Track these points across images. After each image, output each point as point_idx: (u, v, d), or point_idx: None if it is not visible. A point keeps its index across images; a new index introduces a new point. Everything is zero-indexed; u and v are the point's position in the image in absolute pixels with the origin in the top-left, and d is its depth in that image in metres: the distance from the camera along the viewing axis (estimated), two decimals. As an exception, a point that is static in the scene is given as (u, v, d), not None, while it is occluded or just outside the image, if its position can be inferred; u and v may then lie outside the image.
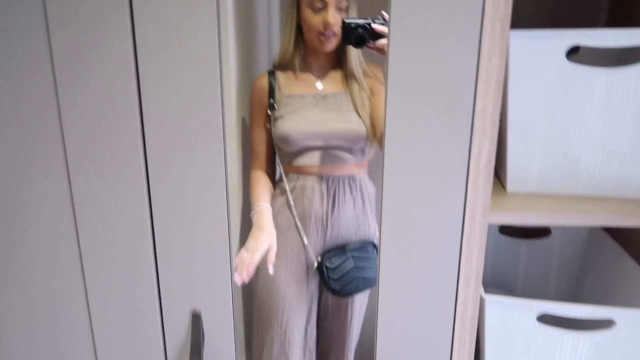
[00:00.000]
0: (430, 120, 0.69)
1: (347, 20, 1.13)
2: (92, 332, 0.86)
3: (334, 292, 1.36)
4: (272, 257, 1.24)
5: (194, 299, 0.81)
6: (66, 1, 0.70)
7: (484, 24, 0.66)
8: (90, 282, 0.83)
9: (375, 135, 1.31)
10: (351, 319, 1.48)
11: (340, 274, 1.34)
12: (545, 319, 0.89)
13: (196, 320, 0.81)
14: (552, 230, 1.26)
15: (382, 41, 1.12)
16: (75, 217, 0.80)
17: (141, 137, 0.75)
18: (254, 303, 1.39)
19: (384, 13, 1.13)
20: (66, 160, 0.77)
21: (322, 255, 1.35)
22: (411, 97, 0.68)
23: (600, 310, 0.86)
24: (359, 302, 1.49)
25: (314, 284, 1.42)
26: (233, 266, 0.79)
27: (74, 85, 0.74)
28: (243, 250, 1.23)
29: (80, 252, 0.82)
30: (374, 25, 1.11)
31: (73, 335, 0.87)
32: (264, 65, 1.40)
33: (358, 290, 1.38)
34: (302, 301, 1.40)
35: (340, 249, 1.35)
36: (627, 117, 0.81)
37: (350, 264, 1.34)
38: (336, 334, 1.52)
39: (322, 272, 1.34)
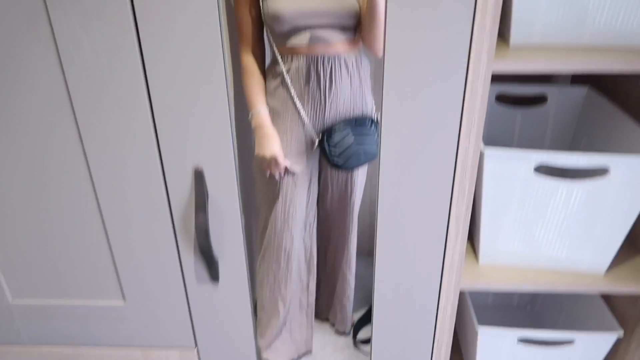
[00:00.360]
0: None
1: None
2: (95, 195, 0.87)
3: (337, 166, 1.40)
4: (283, 159, 1.33)
5: (195, 157, 0.81)
6: None
7: None
8: (88, 145, 0.82)
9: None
10: (351, 192, 1.53)
11: (342, 149, 1.37)
12: (542, 170, 0.91)
13: (199, 177, 0.81)
14: (548, 97, 1.25)
15: None
16: (65, 81, 0.77)
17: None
18: (254, 178, 1.41)
19: None
20: (48, 14, 0.72)
21: (323, 133, 1.36)
22: None
23: (596, 158, 0.88)
24: (360, 175, 1.53)
25: (314, 162, 1.44)
26: (232, 122, 0.78)
27: None
28: (263, 162, 1.31)
29: (75, 116, 0.80)
30: None
31: (77, 200, 0.88)
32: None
33: (360, 163, 1.42)
34: (304, 179, 1.43)
35: (340, 126, 1.36)
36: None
37: (350, 139, 1.36)
38: (337, 209, 1.57)
39: (324, 149, 1.36)
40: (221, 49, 0.74)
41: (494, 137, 1.31)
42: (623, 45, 0.84)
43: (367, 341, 1.81)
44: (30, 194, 0.87)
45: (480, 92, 0.76)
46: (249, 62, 1.33)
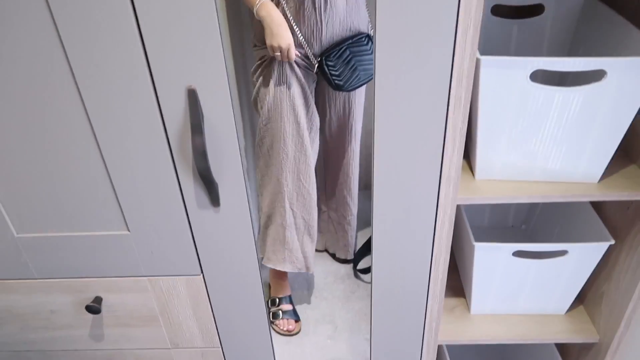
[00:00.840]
0: None
1: None
2: (90, 125, 0.86)
3: (338, 87, 1.39)
4: (293, 50, 1.30)
5: (187, 76, 0.79)
6: None
7: None
8: (78, 72, 0.80)
9: None
10: (350, 114, 1.53)
11: (342, 69, 1.34)
12: (538, 77, 0.90)
13: (192, 96, 0.80)
14: (545, 6, 1.21)
15: None
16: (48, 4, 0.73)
17: None
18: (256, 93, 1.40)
19: None
20: None
21: (321, 55, 1.33)
22: None
23: (592, 61, 0.87)
24: (358, 97, 1.52)
25: (311, 81, 1.43)
26: (224, 38, 0.76)
27: None
28: (276, 50, 1.27)
29: (62, 43, 0.77)
30: None
31: (73, 131, 0.87)
32: None
33: (360, 83, 1.41)
34: (303, 99, 1.41)
35: (337, 46, 1.34)
36: None
37: (349, 58, 1.34)
38: (337, 133, 1.57)
39: (324, 71, 1.34)
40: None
41: (490, 49, 1.28)
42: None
43: (367, 270, 1.85)
44: (27, 128, 0.86)
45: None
46: None
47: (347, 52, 1.34)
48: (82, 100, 0.83)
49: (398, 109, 0.83)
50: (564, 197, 0.98)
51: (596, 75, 0.89)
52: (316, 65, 1.36)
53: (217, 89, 0.80)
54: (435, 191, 0.92)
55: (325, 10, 1.29)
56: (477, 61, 0.86)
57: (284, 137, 1.40)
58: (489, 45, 1.27)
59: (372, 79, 1.41)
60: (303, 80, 1.39)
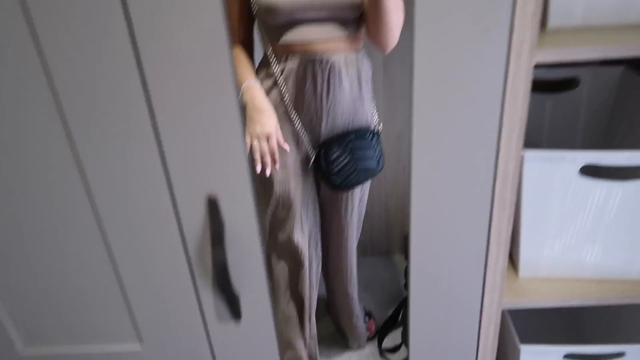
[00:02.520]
0: None
1: None
2: (104, 233, 0.79)
3: (334, 187, 1.25)
4: (281, 139, 1.14)
5: (208, 184, 0.73)
6: None
7: None
8: (92, 180, 0.74)
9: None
10: (351, 213, 1.40)
11: (340, 166, 1.21)
12: (586, 170, 0.82)
13: (213, 206, 0.73)
14: (580, 80, 1.15)
15: None
16: (63, 109, 0.69)
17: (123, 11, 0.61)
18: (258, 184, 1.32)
19: None
20: (35, 35, 0.64)
21: (320, 148, 1.22)
22: None
23: (648, 154, 0.79)
24: (359, 194, 1.40)
25: (310, 179, 1.32)
26: (246, 145, 0.70)
27: None
28: (254, 140, 1.11)
29: (76, 148, 0.72)
30: None
31: (85, 239, 0.80)
32: None
33: (359, 182, 1.27)
34: (301, 197, 1.30)
35: (338, 139, 1.20)
36: None
37: (349, 154, 1.21)
38: (335, 229, 1.44)
39: (321, 166, 1.22)
40: (229, 63, 0.66)
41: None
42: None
43: (394, 349, 1.73)
44: (36, 237, 0.80)
45: (522, 91, 0.67)
46: (237, 48, 1.18)
47: (348, 147, 1.19)
48: (94, 206, 0.77)
49: (437, 211, 0.75)
50: (620, 299, 0.88)
51: (652, 166, 0.81)
52: (312, 159, 1.22)
53: (240, 197, 0.74)
54: (479, 298, 0.83)
55: (327, 96, 1.16)
56: (521, 156, 0.79)
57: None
58: (522, 122, 1.20)
59: (373, 177, 1.28)
60: (300, 174, 1.27)
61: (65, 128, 0.70)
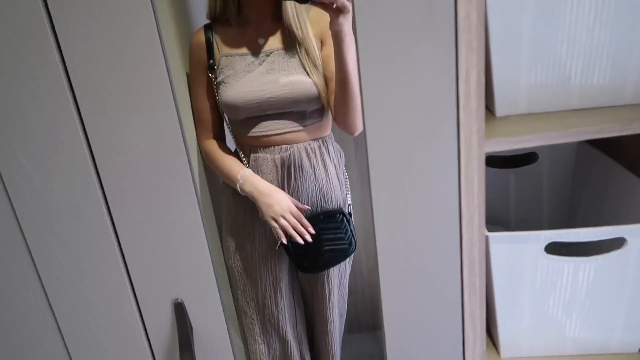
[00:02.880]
0: (408, 36, 0.59)
1: None
2: (64, 343, 0.76)
3: (303, 269, 1.24)
4: (299, 204, 1.17)
5: (173, 289, 0.72)
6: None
7: None
8: (50, 289, 0.72)
9: (328, 91, 1.18)
10: (329, 294, 1.37)
11: (306, 249, 1.19)
12: (549, 248, 0.84)
13: (180, 310, 0.72)
14: (539, 154, 1.20)
15: None
16: (17, 218, 0.68)
17: (77, 113, 0.64)
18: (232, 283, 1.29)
19: None
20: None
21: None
22: (382, 15, 0.58)
23: (612, 230, 0.81)
24: (338, 275, 1.38)
25: (286, 260, 1.29)
26: (210, 245, 0.70)
27: None
28: (279, 219, 1.14)
29: (32, 256, 0.71)
30: None
31: (46, 350, 0.77)
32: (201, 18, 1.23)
33: (330, 265, 1.25)
34: (278, 278, 1.27)
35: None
36: (614, 14, 0.73)
37: (317, 237, 1.19)
38: (317, 312, 1.39)
39: (288, 249, 1.20)
40: (187, 167, 0.67)
41: (489, 202, 1.24)
42: (615, 104, 0.80)
43: None
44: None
45: (476, 179, 0.70)
46: (211, 143, 1.21)
47: (316, 230, 1.18)
48: (56, 320, 0.74)
49: (409, 303, 0.75)
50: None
51: (616, 240, 0.83)
52: (278, 243, 1.19)
53: (207, 299, 0.72)
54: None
55: (289, 185, 1.18)
56: (487, 238, 0.80)
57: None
58: (488, 196, 1.23)
59: (344, 259, 1.26)
60: (270, 260, 1.26)
61: (24, 238, 0.69)
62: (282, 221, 1.14)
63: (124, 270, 0.71)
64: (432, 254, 0.72)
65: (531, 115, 0.79)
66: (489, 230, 0.80)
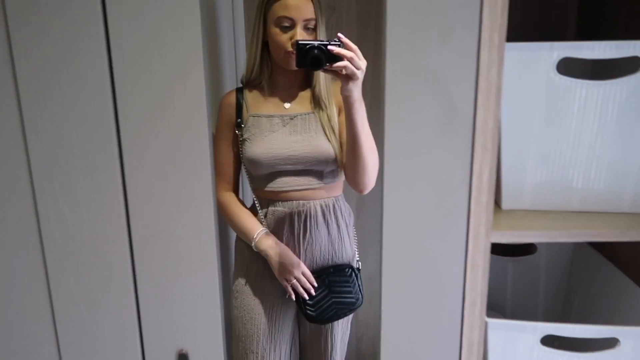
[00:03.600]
0: (430, 135, 0.66)
1: (301, 41, 1.08)
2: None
3: (310, 319, 1.29)
4: (306, 271, 1.25)
5: (179, 339, 0.74)
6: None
7: (482, 33, 0.64)
8: (61, 329, 0.75)
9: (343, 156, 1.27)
10: (332, 350, 1.41)
11: (317, 299, 1.27)
12: (547, 340, 0.86)
13: (183, 363, 0.74)
14: (537, 246, 1.25)
15: (339, 64, 1.08)
16: (44, 257, 0.72)
17: (119, 165, 0.69)
18: (231, 334, 1.30)
19: (340, 35, 1.09)
20: (33, 190, 0.69)
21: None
22: (409, 112, 0.65)
23: (605, 329, 0.84)
24: (340, 331, 1.41)
25: (292, 313, 1.35)
26: (221, 303, 0.73)
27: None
28: (291, 280, 1.23)
29: (50, 294, 0.73)
30: (330, 47, 1.07)
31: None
32: (231, 84, 1.35)
33: (336, 316, 1.30)
34: (280, 331, 1.32)
35: (315, 275, 1.30)
36: (616, 129, 0.81)
37: (326, 289, 1.27)
38: None
39: (298, 300, 1.27)
40: (214, 228, 0.71)
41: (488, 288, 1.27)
42: (614, 211, 0.85)
43: None
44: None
45: (481, 267, 0.74)
46: (230, 196, 1.28)
47: (325, 283, 1.26)
48: (59, 350, 0.76)
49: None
50: None
51: (609, 339, 0.85)
52: (288, 293, 1.24)
53: (211, 353, 0.74)
54: None
55: (304, 237, 1.25)
56: (485, 324, 0.83)
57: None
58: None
59: (350, 312, 1.31)
60: (282, 319, 1.30)
61: (46, 275, 0.72)
62: (294, 281, 1.21)
63: (135, 315, 0.74)
64: (434, 334, 0.75)
65: (534, 212, 0.85)
66: (490, 317, 0.83)
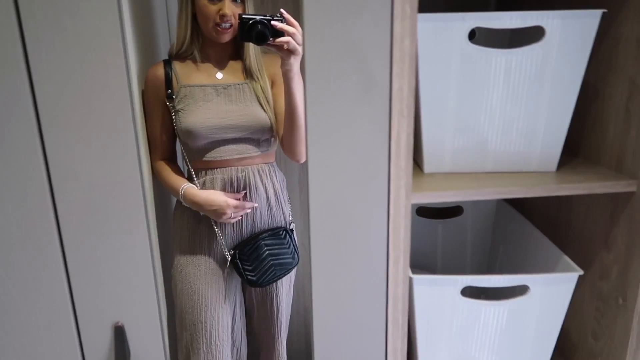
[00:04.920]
0: (350, 104, 0.69)
1: (244, 16, 1.08)
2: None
3: (251, 283, 1.34)
4: (235, 194, 1.29)
5: (115, 312, 0.75)
6: None
7: (394, 5, 0.67)
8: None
9: (277, 126, 1.31)
10: (277, 311, 1.46)
11: (255, 263, 1.32)
12: (468, 292, 0.94)
13: (119, 333, 0.75)
14: (464, 208, 1.33)
15: (282, 39, 1.10)
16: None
17: (39, 138, 0.68)
18: (175, 309, 1.32)
19: (282, 11, 1.11)
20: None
21: (234, 249, 1.33)
22: (329, 81, 0.68)
23: (516, 278, 0.92)
24: (285, 293, 1.47)
25: (237, 281, 1.39)
26: (157, 271, 0.74)
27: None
28: (228, 217, 1.26)
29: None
30: (273, 22, 1.08)
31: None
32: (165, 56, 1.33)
33: (276, 278, 1.37)
34: (225, 299, 1.35)
35: (252, 240, 1.33)
36: (524, 94, 0.87)
37: (264, 252, 1.33)
38: (264, 329, 1.49)
39: (237, 265, 1.31)
40: (141, 189, 0.72)
41: (418, 249, 1.35)
42: (524, 170, 0.93)
43: None
44: None
45: (402, 227, 0.79)
46: (162, 164, 1.31)
47: (262, 246, 1.32)
48: (-8, 339, 0.75)
49: (338, 333, 0.82)
50: None
51: (520, 287, 0.94)
52: (229, 260, 1.32)
53: (147, 324, 0.76)
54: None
55: (243, 199, 1.30)
56: (410, 280, 0.89)
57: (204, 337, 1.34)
58: (418, 244, 1.34)
59: (288, 272, 1.40)
60: (221, 277, 1.35)
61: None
62: (232, 216, 1.27)
63: (67, 288, 0.74)
64: (362, 292, 0.80)
65: (454, 175, 0.91)
66: (417, 273, 0.89)
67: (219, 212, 1.25)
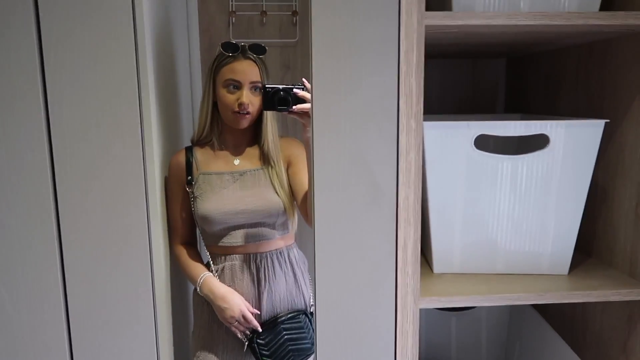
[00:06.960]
0: (358, 213, 0.71)
1: (268, 86, 1.15)
2: None
3: None
4: (251, 308, 1.28)
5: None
6: None
7: (400, 120, 0.70)
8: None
9: (298, 204, 1.33)
10: None
11: (273, 348, 1.30)
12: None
13: None
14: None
15: (304, 106, 1.14)
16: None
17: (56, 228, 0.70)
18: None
19: (304, 80, 1.17)
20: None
21: (253, 332, 1.31)
22: (337, 192, 0.70)
23: None
24: None
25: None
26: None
27: None
28: (232, 323, 1.25)
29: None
30: (295, 90, 1.14)
31: None
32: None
33: None
34: None
35: (271, 323, 1.31)
36: (531, 197, 0.88)
37: (282, 337, 1.31)
38: None
39: (254, 349, 1.30)
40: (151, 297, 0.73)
41: (432, 342, 1.31)
42: (534, 273, 0.92)
43: None
44: None
45: (410, 332, 0.78)
46: (180, 249, 1.33)
47: (281, 331, 1.31)
48: None
49: None
50: None
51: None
52: (246, 344, 1.30)
53: None
54: None
55: (264, 288, 1.30)
56: None
57: None
58: (431, 336, 1.31)
59: (307, 357, 1.36)
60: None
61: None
62: (235, 324, 1.27)
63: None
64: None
65: (464, 275, 0.90)
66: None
67: (228, 313, 1.25)
